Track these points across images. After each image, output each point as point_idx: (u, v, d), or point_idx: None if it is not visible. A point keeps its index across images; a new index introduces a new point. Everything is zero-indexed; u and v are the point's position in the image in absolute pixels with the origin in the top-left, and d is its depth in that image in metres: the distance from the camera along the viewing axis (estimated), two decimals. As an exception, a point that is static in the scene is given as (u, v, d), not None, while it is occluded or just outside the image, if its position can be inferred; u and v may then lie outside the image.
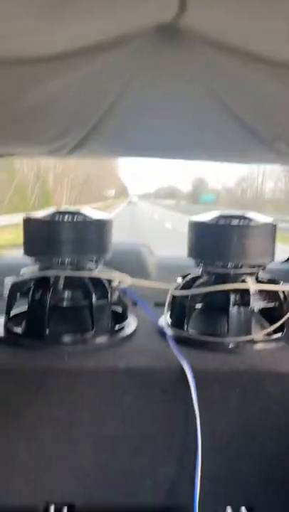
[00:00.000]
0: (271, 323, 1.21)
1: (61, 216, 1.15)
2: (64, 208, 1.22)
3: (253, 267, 1.22)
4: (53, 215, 1.17)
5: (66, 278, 1.20)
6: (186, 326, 1.20)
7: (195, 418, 0.98)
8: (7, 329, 1.20)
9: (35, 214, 1.19)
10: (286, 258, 1.83)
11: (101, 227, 1.22)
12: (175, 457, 1.06)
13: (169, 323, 1.27)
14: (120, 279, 1.26)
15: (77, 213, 1.19)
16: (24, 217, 1.20)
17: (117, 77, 1.03)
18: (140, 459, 1.06)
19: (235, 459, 1.06)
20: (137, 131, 1.23)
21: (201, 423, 0.98)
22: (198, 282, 1.22)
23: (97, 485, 1.06)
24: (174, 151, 1.44)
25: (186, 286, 1.24)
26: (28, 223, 1.20)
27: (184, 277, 1.31)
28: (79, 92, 1.07)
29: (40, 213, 1.19)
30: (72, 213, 1.18)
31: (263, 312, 1.24)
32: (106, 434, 1.05)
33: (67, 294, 1.19)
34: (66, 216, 1.15)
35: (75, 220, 1.15)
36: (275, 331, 1.18)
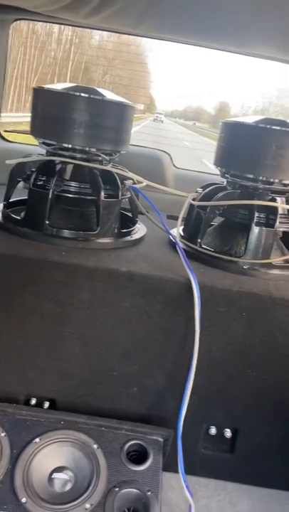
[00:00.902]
0: None
1: (78, 91, 0.98)
2: (81, 84, 1.05)
3: (287, 185, 1.07)
4: (68, 88, 1.00)
5: (75, 167, 1.07)
6: (199, 241, 1.09)
7: (194, 334, 0.91)
8: (4, 215, 1.10)
9: (48, 85, 1.02)
10: None
11: (121, 112, 1.06)
12: (166, 370, 1.01)
13: (182, 235, 1.16)
14: (135, 179, 1.12)
15: (95, 91, 1.02)
16: (34, 87, 1.03)
17: None
18: (129, 366, 1.01)
19: (229, 382, 1.02)
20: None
21: (200, 341, 0.91)
22: (220, 194, 1.09)
23: (81, 385, 1.03)
24: (226, 36, 1.20)
25: (207, 197, 1.11)
26: (38, 95, 1.03)
27: (204, 188, 1.17)
28: None
29: (54, 85, 1.03)
30: (89, 90, 1.01)
31: (286, 237, 1.12)
32: (97, 336, 0.99)
33: (73, 185, 1.07)
34: (81, 92, 0.98)
35: (91, 97, 0.99)
36: None
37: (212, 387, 1.01)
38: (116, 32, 1.35)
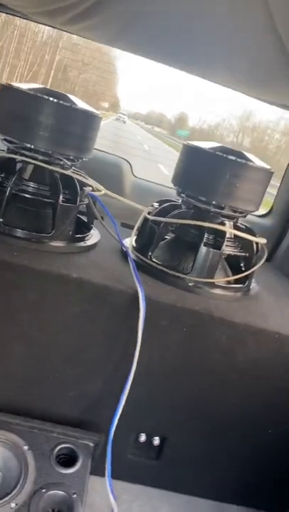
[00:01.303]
0: (236, 272, 1.16)
1: (46, 94, 0.99)
2: (51, 89, 1.05)
3: (236, 211, 1.14)
4: (38, 90, 1.00)
5: (35, 168, 1.07)
6: (150, 254, 1.13)
7: (136, 345, 0.95)
8: None
9: (17, 83, 1.02)
10: (264, 212, 1.77)
11: (88, 122, 1.07)
12: (105, 376, 1.04)
13: (134, 246, 1.20)
14: (95, 187, 1.14)
15: (65, 97, 1.03)
16: (1, 84, 1.02)
17: None
18: (69, 370, 1.03)
19: (163, 393, 1.06)
20: (154, 21, 1.03)
21: (140, 351, 0.95)
22: (175, 212, 1.14)
23: (19, 385, 1.03)
24: (195, 62, 1.25)
25: (162, 212, 1.15)
26: (5, 92, 1.02)
27: (161, 203, 1.21)
28: None
29: (24, 84, 1.02)
30: (59, 95, 1.02)
31: (231, 259, 1.18)
32: (40, 338, 0.99)
33: (32, 185, 1.07)
34: (51, 96, 0.99)
35: (60, 102, 1.00)
36: (237, 281, 1.14)
37: (146, 397, 1.05)
38: (94, 40, 1.36)
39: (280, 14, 0.81)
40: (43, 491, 0.87)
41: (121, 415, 0.95)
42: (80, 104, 1.05)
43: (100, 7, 0.97)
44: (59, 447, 0.96)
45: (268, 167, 1.10)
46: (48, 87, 1.08)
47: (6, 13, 1.29)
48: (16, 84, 1.02)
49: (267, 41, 0.90)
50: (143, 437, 1.11)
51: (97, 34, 1.21)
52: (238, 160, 1.05)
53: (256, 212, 1.25)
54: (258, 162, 1.09)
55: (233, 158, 1.04)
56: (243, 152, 1.11)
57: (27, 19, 1.31)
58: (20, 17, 1.31)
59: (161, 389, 1.05)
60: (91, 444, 1.00)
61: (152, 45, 1.17)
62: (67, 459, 0.96)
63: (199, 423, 1.10)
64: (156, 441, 1.11)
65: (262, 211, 1.70)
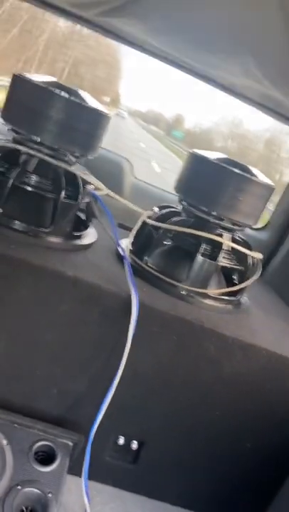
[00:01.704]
0: (229, 284, 1.17)
1: (57, 88, 0.98)
2: (62, 83, 1.05)
3: (235, 224, 1.15)
4: (50, 83, 0.99)
5: (40, 162, 1.06)
6: (146, 259, 1.13)
7: (124, 348, 0.95)
8: None
9: (30, 75, 1.01)
10: (260, 226, 1.78)
11: (97, 120, 1.07)
12: (89, 377, 1.03)
13: (130, 249, 1.19)
14: (97, 185, 1.14)
15: (76, 93, 1.02)
16: (15, 74, 1.01)
17: None
18: (54, 368, 1.02)
19: (146, 398, 1.06)
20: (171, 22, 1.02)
21: (128, 355, 0.95)
22: (175, 219, 1.14)
23: (3, 379, 1.02)
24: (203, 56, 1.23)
25: (162, 218, 1.15)
26: (18, 83, 1.01)
27: (161, 208, 1.21)
28: None
29: (36, 76, 1.01)
30: (71, 91, 1.01)
31: (225, 271, 1.19)
32: (27, 334, 0.99)
33: (35, 179, 1.06)
34: (63, 90, 0.98)
35: (71, 98, 0.99)
36: (230, 294, 1.15)
37: (129, 400, 1.05)
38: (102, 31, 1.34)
39: None
40: (19, 487, 0.86)
41: (102, 417, 0.95)
42: (91, 101, 1.05)
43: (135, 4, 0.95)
44: (38, 444, 0.96)
45: (271, 183, 1.11)
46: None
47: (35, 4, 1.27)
48: (28, 75, 1.01)
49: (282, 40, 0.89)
50: (122, 440, 1.11)
51: (125, 30, 1.19)
52: (243, 174, 1.05)
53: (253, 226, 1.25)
54: (261, 177, 1.10)
55: (239, 171, 1.05)
56: (248, 166, 1.11)
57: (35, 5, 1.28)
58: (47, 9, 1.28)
59: (145, 394, 1.06)
60: (70, 444, 1.00)
61: (176, 44, 1.16)
62: (46, 457, 0.96)
63: (179, 431, 1.10)
64: (135, 445, 1.11)
65: (259, 225, 1.72)
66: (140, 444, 1.12)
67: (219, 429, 1.09)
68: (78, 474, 0.99)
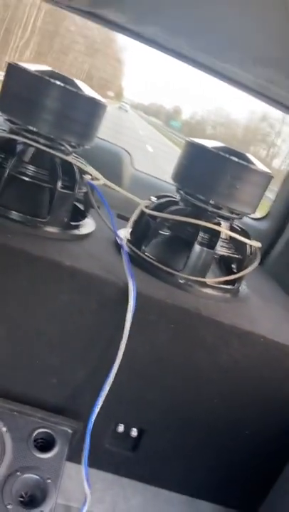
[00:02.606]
0: (228, 273, 1.17)
1: (53, 78, 0.98)
2: (58, 72, 1.04)
3: (233, 212, 1.14)
4: (45, 72, 0.99)
5: (36, 151, 1.06)
6: (144, 248, 1.13)
7: (121, 337, 0.95)
8: None
9: (24, 64, 1.01)
10: (260, 216, 1.78)
11: (94, 109, 1.07)
12: (88, 366, 1.04)
13: (128, 239, 1.20)
14: (94, 175, 1.14)
15: (72, 82, 1.02)
16: (10, 62, 1.01)
17: None
18: (53, 357, 1.03)
19: (145, 386, 1.07)
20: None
21: (126, 344, 0.95)
22: (172, 208, 1.14)
23: (2, 368, 1.03)
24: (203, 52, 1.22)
25: (159, 207, 1.15)
26: (13, 71, 1.01)
27: (159, 198, 1.21)
28: None
29: (31, 65, 1.01)
30: (67, 80, 1.01)
31: (224, 259, 1.19)
32: (26, 323, 0.99)
33: (31, 169, 1.06)
34: (59, 80, 0.98)
35: (67, 87, 0.98)
36: (228, 282, 1.15)
37: (128, 389, 1.06)
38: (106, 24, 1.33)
39: None
40: (18, 473, 0.87)
41: (102, 405, 0.96)
42: (87, 90, 1.04)
43: None
44: (37, 431, 0.97)
45: (268, 171, 1.11)
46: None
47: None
48: (23, 64, 1.00)
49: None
50: (121, 428, 1.12)
51: (124, 17, 1.18)
52: (241, 162, 1.05)
53: (253, 215, 1.25)
54: (259, 165, 1.09)
55: (236, 159, 1.05)
56: (246, 154, 1.11)
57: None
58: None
59: (144, 382, 1.06)
60: (69, 431, 1.01)
61: (165, 37, 1.16)
62: (45, 444, 0.97)
63: (178, 418, 1.11)
64: (134, 432, 1.12)
65: (259, 214, 1.71)
66: (140, 432, 1.13)
67: (217, 416, 1.09)
68: (78, 462, 1.00)
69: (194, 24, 1.04)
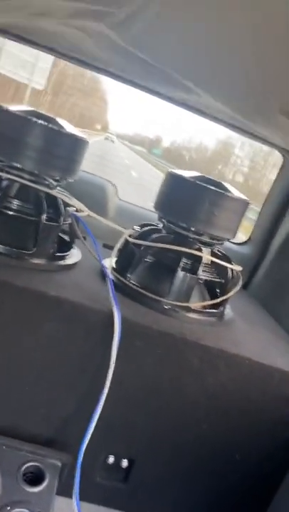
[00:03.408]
0: (212, 297, 1.20)
1: (35, 117, 1.03)
2: (40, 111, 1.09)
3: (213, 238, 1.18)
4: (27, 112, 1.04)
5: (21, 186, 1.10)
6: (129, 275, 1.16)
7: (109, 365, 0.96)
8: None
9: (8, 105, 1.05)
10: (243, 240, 1.82)
11: (75, 145, 1.11)
12: (77, 395, 1.04)
13: (114, 267, 1.22)
14: (78, 207, 1.17)
15: (54, 121, 1.07)
16: None
17: None
18: (40, 388, 1.03)
19: (134, 414, 1.07)
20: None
21: (113, 372, 0.96)
22: (155, 236, 1.17)
23: None
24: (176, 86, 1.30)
25: (143, 236, 1.19)
26: None
27: (142, 226, 1.25)
28: None
29: (14, 106, 1.06)
30: (49, 119, 1.05)
31: (207, 284, 1.22)
32: (13, 353, 1.00)
33: (16, 203, 1.09)
34: (41, 119, 1.03)
35: (49, 125, 1.03)
36: (212, 306, 1.17)
37: (117, 418, 1.06)
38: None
39: (267, 52, 0.86)
40: (8, 508, 0.86)
41: (91, 436, 0.96)
42: (68, 127, 1.09)
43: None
44: (26, 465, 0.96)
45: (245, 198, 1.15)
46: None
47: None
48: (5, 105, 1.05)
49: (253, 73, 0.95)
50: (111, 459, 1.11)
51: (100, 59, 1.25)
52: (218, 190, 1.09)
53: (235, 240, 1.29)
54: (236, 193, 1.14)
55: (213, 188, 1.09)
56: (222, 183, 1.16)
57: (25, 43, 1.33)
58: (16, 40, 1.34)
59: (132, 410, 1.06)
60: (59, 464, 1.00)
61: (149, 77, 1.22)
62: (34, 477, 0.95)
63: (167, 446, 1.11)
64: (125, 463, 1.11)
65: (241, 239, 1.76)
66: (130, 462, 1.12)
67: (207, 442, 1.09)
68: (69, 495, 0.99)
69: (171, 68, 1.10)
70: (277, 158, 1.63)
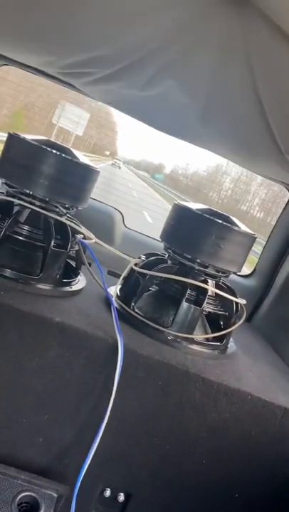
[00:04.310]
0: (215, 329, 1.20)
1: (49, 147, 1.06)
2: (54, 140, 1.13)
3: (218, 271, 1.19)
4: (42, 141, 1.07)
5: (31, 212, 1.12)
6: (133, 304, 1.16)
7: (110, 395, 0.95)
8: None
9: (24, 134, 1.09)
10: (248, 273, 1.83)
11: (87, 175, 1.14)
12: (76, 425, 1.03)
13: (118, 295, 1.23)
14: (86, 235, 1.19)
15: (68, 151, 1.10)
16: (10, 132, 1.10)
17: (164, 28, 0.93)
18: (40, 415, 1.02)
19: (133, 447, 1.05)
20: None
21: (114, 401, 0.96)
22: (161, 266, 1.18)
23: None
24: (180, 130, 1.35)
25: (149, 265, 1.20)
26: (12, 140, 1.09)
27: (148, 256, 1.26)
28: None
29: (29, 136, 1.10)
30: (63, 149, 1.09)
31: (211, 316, 1.22)
32: (14, 380, 1.00)
33: (26, 228, 1.11)
34: (54, 149, 1.06)
35: (62, 155, 1.06)
36: (216, 339, 1.17)
37: (116, 450, 1.04)
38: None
39: (267, 94, 0.90)
40: None
41: (88, 467, 0.94)
42: (80, 157, 1.12)
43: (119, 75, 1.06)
44: (22, 495, 0.94)
45: (251, 232, 1.17)
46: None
47: (19, 67, 1.39)
48: (22, 134, 1.09)
49: (254, 116, 0.99)
50: (108, 492, 1.08)
51: (110, 98, 1.31)
52: (224, 223, 1.11)
53: (240, 273, 1.30)
54: (242, 227, 1.16)
55: (220, 221, 1.11)
56: (229, 216, 1.17)
57: (41, 75, 1.40)
58: (34, 73, 1.41)
59: (131, 442, 1.05)
60: (55, 495, 0.98)
61: (150, 114, 1.28)
62: (29, 508, 0.94)
63: (166, 481, 1.08)
64: (122, 497, 1.08)
65: (246, 272, 1.77)
66: (127, 496, 1.09)
67: (206, 478, 1.07)
68: (63, 528, 0.97)
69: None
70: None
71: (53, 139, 1.14)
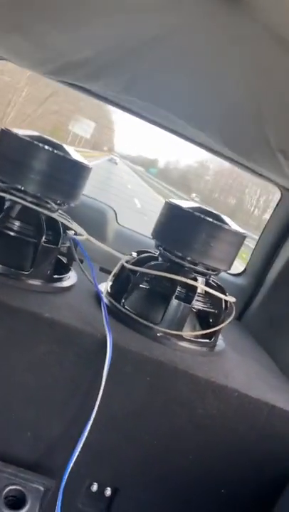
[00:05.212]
0: (204, 327, 1.21)
1: (42, 142, 1.06)
2: (47, 137, 1.13)
3: (208, 269, 1.20)
4: (34, 137, 1.07)
5: (22, 208, 1.12)
6: (123, 301, 1.17)
7: (98, 390, 0.96)
8: None
9: (16, 130, 1.09)
10: (240, 271, 1.84)
11: (78, 171, 1.14)
12: (64, 420, 1.04)
13: (109, 292, 1.24)
14: (77, 231, 1.20)
15: (60, 147, 1.10)
16: (2, 128, 1.09)
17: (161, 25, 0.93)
18: (29, 411, 1.03)
19: (121, 442, 1.06)
20: (151, 87, 1.13)
21: (102, 397, 0.96)
22: (151, 263, 1.19)
23: None
24: (178, 125, 1.36)
25: (139, 262, 1.20)
26: (3, 136, 1.09)
27: (139, 253, 1.27)
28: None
29: (21, 131, 1.10)
30: (55, 145, 1.09)
31: (201, 314, 1.23)
32: (3, 377, 1.00)
33: (17, 224, 1.11)
34: (47, 144, 1.06)
35: (54, 151, 1.07)
36: (204, 336, 1.18)
37: (103, 445, 1.05)
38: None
39: (261, 94, 0.91)
40: (-14, 533, 0.85)
41: (76, 462, 0.95)
42: (73, 154, 1.13)
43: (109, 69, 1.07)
44: (8, 488, 0.95)
45: (242, 231, 1.18)
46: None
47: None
48: (14, 130, 1.09)
49: (248, 113, 0.99)
50: (95, 487, 1.09)
51: (104, 92, 1.32)
52: (215, 222, 1.12)
53: (230, 271, 1.31)
54: (233, 225, 1.17)
55: (210, 219, 1.12)
56: (220, 215, 1.18)
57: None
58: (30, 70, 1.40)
59: (119, 438, 1.06)
60: (41, 489, 0.99)
61: (147, 109, 1.28)
62: (15, 501, 0.94)
63: (153, 477, 1.09)
64: (108, 491, 1.09)
65: (239, 269, 1.78)
66: (114, 491, 1.10)
67: (193, 474, 1.08)
68: (50, 522, 0.97)
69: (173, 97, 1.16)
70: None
71: (68, 140, 1.16)
